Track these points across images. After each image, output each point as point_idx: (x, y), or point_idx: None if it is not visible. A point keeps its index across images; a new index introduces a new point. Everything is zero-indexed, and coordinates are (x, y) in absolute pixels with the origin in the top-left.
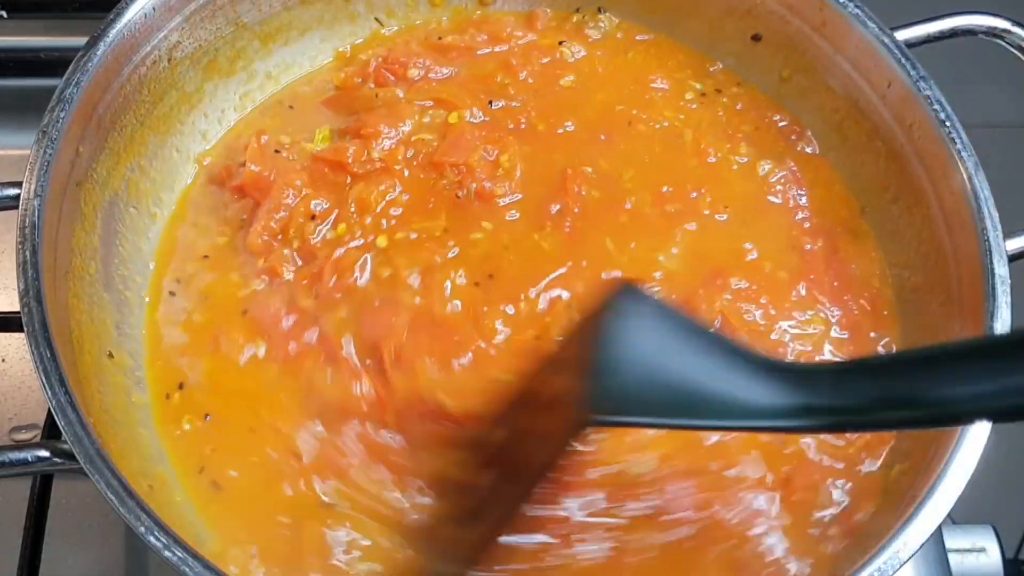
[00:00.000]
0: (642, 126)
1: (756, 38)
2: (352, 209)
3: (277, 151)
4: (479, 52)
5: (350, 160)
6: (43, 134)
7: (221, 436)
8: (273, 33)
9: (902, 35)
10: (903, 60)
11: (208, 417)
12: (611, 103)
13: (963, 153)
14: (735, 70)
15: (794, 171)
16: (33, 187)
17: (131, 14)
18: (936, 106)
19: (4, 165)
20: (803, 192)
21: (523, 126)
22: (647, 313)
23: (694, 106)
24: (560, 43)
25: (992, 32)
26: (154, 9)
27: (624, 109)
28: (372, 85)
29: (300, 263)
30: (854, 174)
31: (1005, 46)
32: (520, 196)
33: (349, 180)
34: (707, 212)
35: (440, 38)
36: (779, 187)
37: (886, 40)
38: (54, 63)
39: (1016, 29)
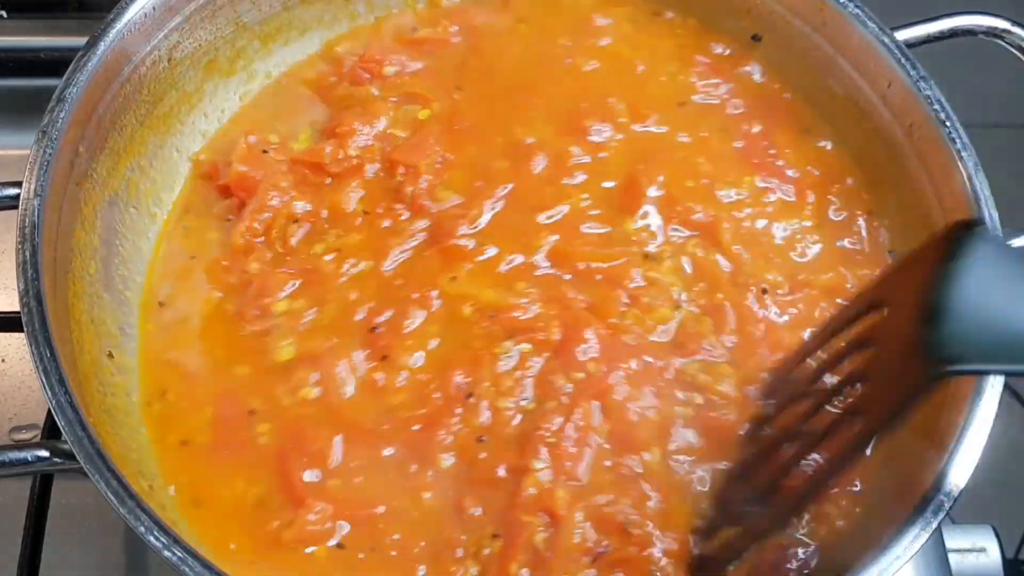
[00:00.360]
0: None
1: (756, 38)
2: (324, 213)
3: (265, 151)
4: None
5: (327, 161)
6: (43, 134)
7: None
8: (273, 33)
9: (902, 35)
10: (903, 60)
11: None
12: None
13: (963, 153)
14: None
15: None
16: (33, 187)
17: (131, 14)
18: (936, 106)
19: (4, 165)
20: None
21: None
22: (989, 252)
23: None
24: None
25: (992, 32)
26: (154, 9)
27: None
28: (347, 84)
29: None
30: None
31: (1005, 46)
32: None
33: (329, 180)
34: None
35: (415, 30)
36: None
37: (886, 40)
38: (54, 63)
39: (1016, 29)
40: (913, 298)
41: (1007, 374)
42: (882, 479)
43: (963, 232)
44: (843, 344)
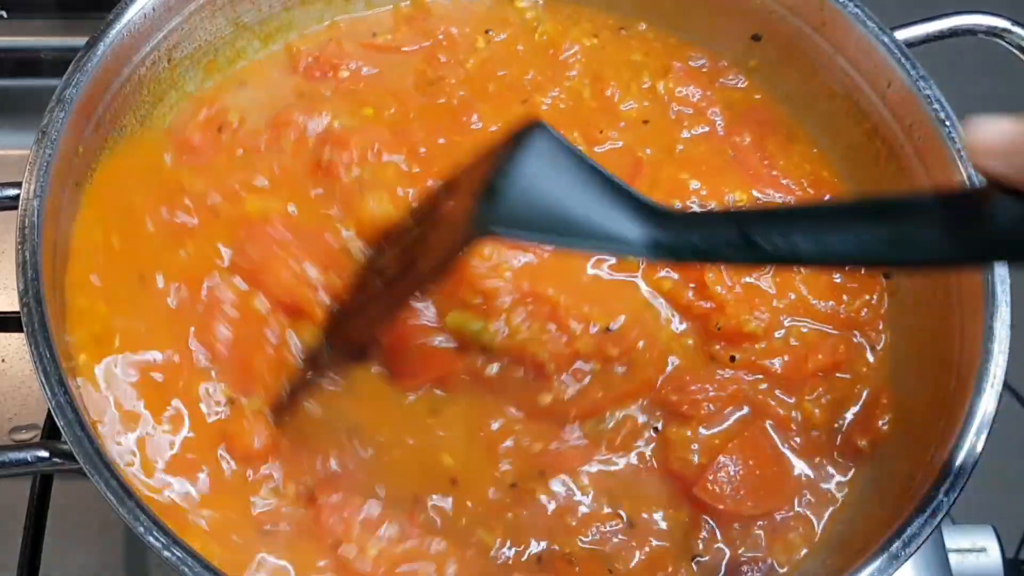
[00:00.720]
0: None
1: (756, 38)
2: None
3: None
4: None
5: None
6: (43, 134)
7: None
8: (273, 33)
9: (902, 35)
10: (903, 60)
11: None
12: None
13: (963, 153)
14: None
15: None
16: (33, 187)
17: (131, 14)
18: (936, 105)
19: (4, 165)
20: None
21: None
22: (545, 145)
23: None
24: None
25: (992, 31)
26: (154, 9)
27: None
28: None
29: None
30: (852, 173)
31: (1005, 45)
32: None
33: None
34: None
35: (375, 35)
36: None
37: (886, 40)
38: (54, 63)
39: (1016, 28)
40: (478, 184)
41: (531, 242)
42: (883, 480)
43: (527, 127)
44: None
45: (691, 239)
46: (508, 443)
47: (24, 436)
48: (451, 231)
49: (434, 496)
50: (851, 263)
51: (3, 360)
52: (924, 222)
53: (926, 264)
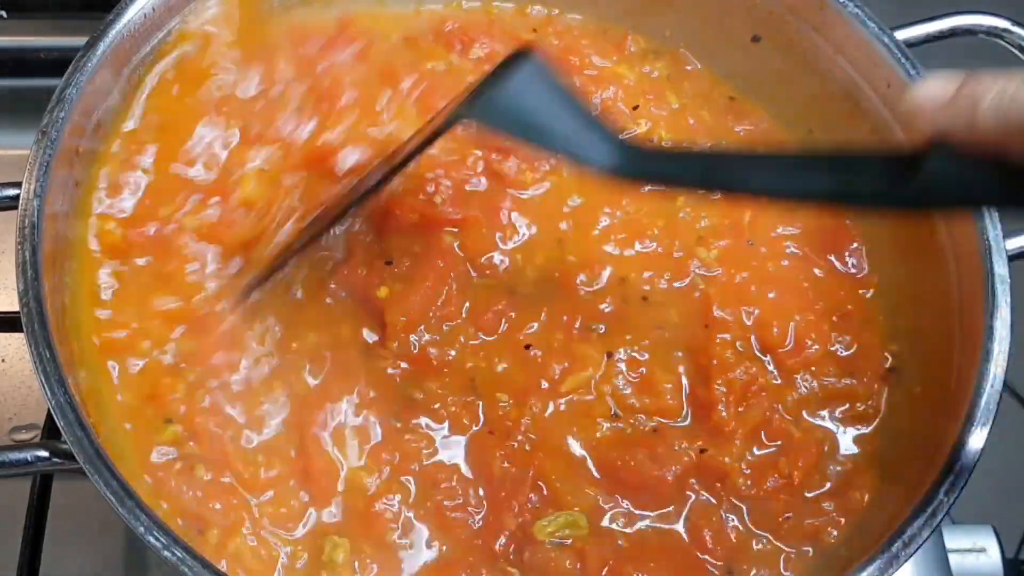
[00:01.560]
0: None
1: (756, 39)
2: None
3: None
4: None
5: None
6: (43, 134)
7: None
8: None
9: (902, 35)
10: (903, 60)
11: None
12: None
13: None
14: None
15: None
16: (33, 187)
17: (131, 14)
18: None
19: (4, 165)
20: None
21: None
22: (536, 66)
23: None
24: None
25: (992, 32)
26: (154, 9)
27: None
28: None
29: None
30: None
31: (1005, 46)
32: None
33: None
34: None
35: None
36: None
37: (886, 40)
38: (54, 63)
39: (1016, 29)
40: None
41: (504, 137)
42: (883, 481)
43: (522, 49)
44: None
45: (655, 168)
46: None
47: (24, 436)
48: (432, 127)
49: None
50: (801, 201)
51: (3, 360)
52: (869, 172)
53: (867, 208)
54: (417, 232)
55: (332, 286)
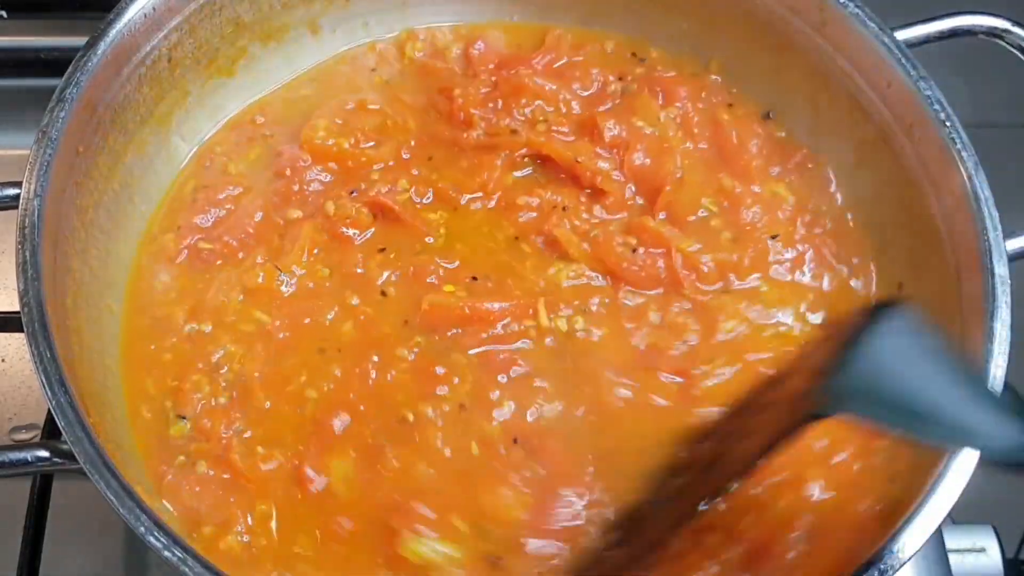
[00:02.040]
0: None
1: (756, 40)
2: None
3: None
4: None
5: None
6: (43, 134)
7: None
8: (273, 32)
9: (902, 35)
10: (903, 60)
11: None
12: None
13: (963, 153)
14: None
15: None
16: (33, 187)
17: (131, 14)
18: (936, 106)
19: (4, 165)
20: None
21: None
22: (902, 326)
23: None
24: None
25: (992, 32)
26: (154, 9)
27: None
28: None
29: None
30: (852, 174)
31: (1005, 46)
32: None
33: None
34: None
35: None
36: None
37: (886, 40)
38: (54, 63)
39: (1016, 29)
40: (817, 364)
41: (874, 423)
42: (884, 483)
43: (877, 308)
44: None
45: None
46: None
47: (24, 436)
48: (779, 414)
49: None
50: None
51: (3, 360)
52: None
53: None
54: None
55: None
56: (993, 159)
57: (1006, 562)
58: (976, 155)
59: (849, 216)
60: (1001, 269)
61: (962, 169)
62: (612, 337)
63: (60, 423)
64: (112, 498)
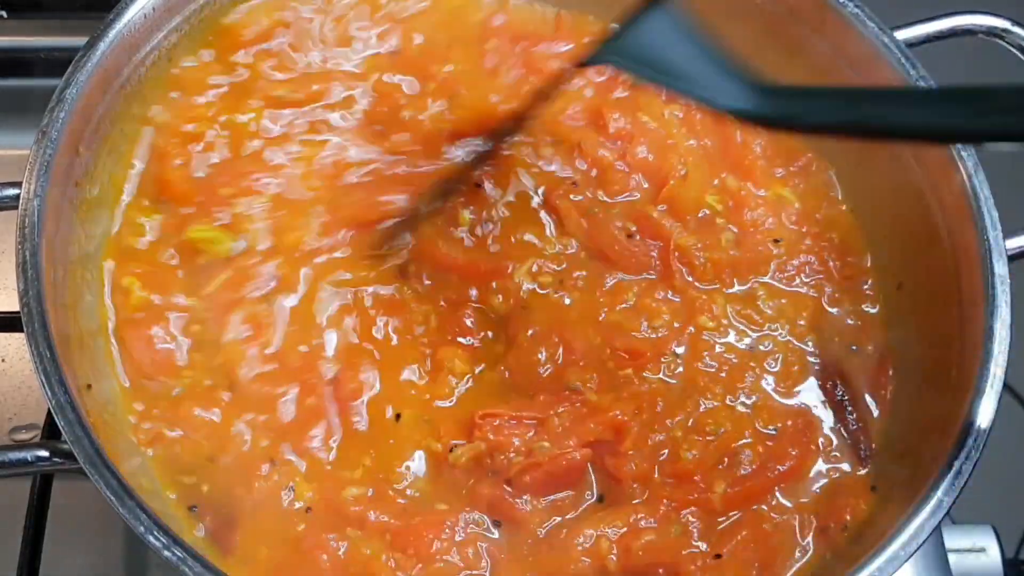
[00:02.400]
0: None
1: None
2: None
3: None
4: None
5: None
6: (43, 134)
7: None
8: None
9: (902, 35)
10: (903, 60)
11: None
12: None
13: (963, 152)
14: None
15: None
16: (33, 187)
17: (131, 14)
18: None
19: (4, 165)
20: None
21: None
22: (671, 13)
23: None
24: None
25: (992, 32)
26: (154, 9)
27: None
28: None
29: None
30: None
31: (1005, 46)
32: None
33: None
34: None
35: None
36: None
37: (886, 40)
38: (54, 63)
39: (1016, 29)
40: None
41: (634, 75)
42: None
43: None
44: None
45: (792, 108)
46: None
47: (24, 436)
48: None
49: None
50: (942, 138)
51: (3, 360)
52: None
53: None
54: None
55: None
56: (993, 158)
57: (1006, 562)
58: (975, 154)
59: (850, 217)
60: (1001, 268)
61: (962, 168)
62: (580, 304)
63: (60, 423)
64: (112, 498)
